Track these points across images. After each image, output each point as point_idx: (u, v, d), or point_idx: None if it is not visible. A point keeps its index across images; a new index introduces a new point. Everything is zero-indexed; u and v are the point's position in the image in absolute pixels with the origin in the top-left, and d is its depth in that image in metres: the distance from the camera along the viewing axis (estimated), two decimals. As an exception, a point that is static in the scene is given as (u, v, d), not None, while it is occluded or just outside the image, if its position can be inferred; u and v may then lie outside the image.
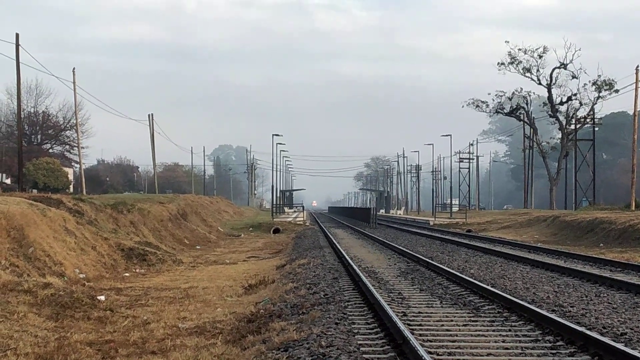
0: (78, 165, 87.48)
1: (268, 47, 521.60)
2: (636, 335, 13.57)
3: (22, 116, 77.33)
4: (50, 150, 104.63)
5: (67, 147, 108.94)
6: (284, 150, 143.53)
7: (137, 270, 31.14)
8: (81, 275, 26.58)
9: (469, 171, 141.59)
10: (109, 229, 37.35)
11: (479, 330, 14.27)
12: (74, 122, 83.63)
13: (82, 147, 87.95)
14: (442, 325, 14.87)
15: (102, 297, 21.36)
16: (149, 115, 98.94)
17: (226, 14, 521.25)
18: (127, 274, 29.63)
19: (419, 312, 16.42)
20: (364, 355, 12.02)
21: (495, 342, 13.19)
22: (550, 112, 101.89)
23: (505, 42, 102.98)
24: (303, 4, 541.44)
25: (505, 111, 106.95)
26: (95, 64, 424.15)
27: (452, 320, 15.38)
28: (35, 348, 14.75)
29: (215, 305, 21.06)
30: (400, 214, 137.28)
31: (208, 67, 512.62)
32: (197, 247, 48.31)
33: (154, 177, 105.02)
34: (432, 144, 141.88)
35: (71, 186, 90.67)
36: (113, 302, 20.99)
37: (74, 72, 72.48)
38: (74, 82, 72.63)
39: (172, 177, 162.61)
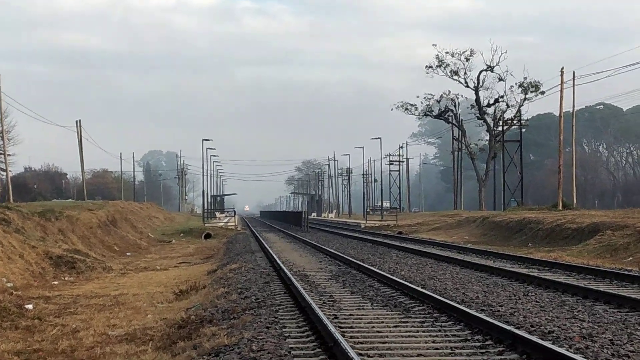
0: (5, 173, 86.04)
1: (195, 52, 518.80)
2: (563, 333, 13.77)
3: (-54, 123, 75.79)
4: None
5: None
6: (214, 155, 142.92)
7: (66, 278, 30.74)
8: (8, 284, 26.15)
9: (399, 174, 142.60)
10: (36, 237, 36.83)
11: (410, 331, 14.36)
12: (0, 129, 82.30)
13: (9, 155, 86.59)
14: (373, 327, 14.93)
15: (30, 306, 21.06)
16: (76, 121, 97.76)
17: (154, 19, 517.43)
18: (55, 282, 29.24)
19: (350, 315, 16.46)
20: (294, 359, 12.04)
21: (426, 342, 13.28)
22: (477, 115, 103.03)
23: (433, 45, 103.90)
24: (231, 9, 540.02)
25: (434, 114, 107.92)
26: (21, 70, 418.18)
27: (382, 322, 15.45)
28: (-40, 359, 14.49)
29: (146, 311, 20.89)
30: (331, 217, 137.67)
31: (136, 73, 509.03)
32: (128, 253, 47.85)
33: (82, 184, 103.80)
34: (363, 147, 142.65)
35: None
36: (41, 311, 20.71)
37: (-1, 78, 71.36)
38: (-1, 89, 71.48)
39: (102, 183, 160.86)
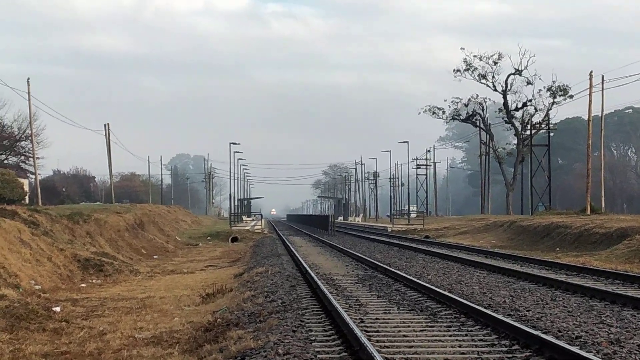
0: (34, 176, 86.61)
1: (221, 56, 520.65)
2: (591, 338, 13.69)
3: (-24, 127, 76.47)
4: (5, 162, 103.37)
5: (23, 157, 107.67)
6: (241, 159, 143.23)
7: (94, 281, 30.89)
8: (37, 287, 26.31)
9: (426, 178, 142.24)
10: (64, 240, 37.01)
11: (436, 336, 14.32)
12: (29, 132, 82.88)
13: (38, 158, 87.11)
14: (399, 331, 14.90)
15: (58, 308, 21.16)
16: (105, 125, 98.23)
17: (181, 23, 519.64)
18: (83, 285, 29.38)
19: (376, 319, 16.44)
20: (321, 363, 12.04)
21: (452, 347, 13.25)
22: (505, 118, 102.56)
23: (461, 49, 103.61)
24: (258, 12, 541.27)
25: (461, 117, 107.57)
26: (47, 73, 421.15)
27: (409, 326, 15.42)
28: (-11, 361, 14.58)
29: (173, 314, 20.95)
30: (358, 221, 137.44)
31: (162, 76, 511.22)
32: (155, 256, 48.02)
33: (110, 187, 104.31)
34: (390, 151, 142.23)
35: (27, 197, 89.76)
36: (69, 313, 20.81)
37: (28, 82, 71.93)
38: (28, 93, 72.10)
39: (130, 186, 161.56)
